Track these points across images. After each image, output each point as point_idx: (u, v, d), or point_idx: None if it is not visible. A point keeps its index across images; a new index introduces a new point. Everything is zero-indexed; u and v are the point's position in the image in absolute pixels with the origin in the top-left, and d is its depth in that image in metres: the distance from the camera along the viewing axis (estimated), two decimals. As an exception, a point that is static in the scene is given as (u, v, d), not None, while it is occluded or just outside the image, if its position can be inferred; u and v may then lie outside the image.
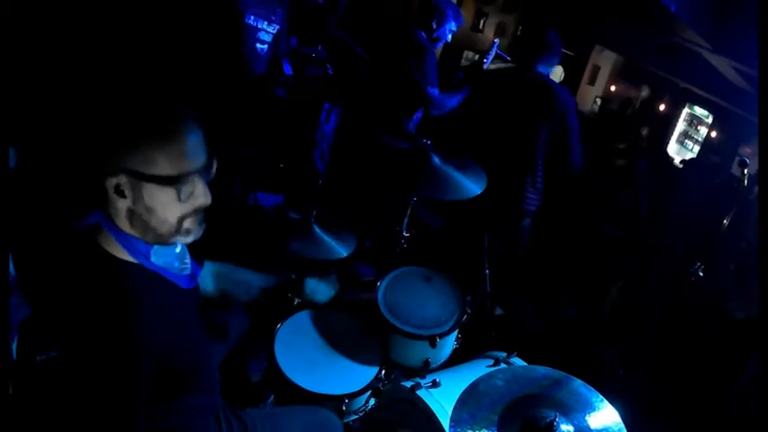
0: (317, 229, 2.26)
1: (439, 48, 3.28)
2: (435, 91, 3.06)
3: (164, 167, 1.11)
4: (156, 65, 2.88)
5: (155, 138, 1.11)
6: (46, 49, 2.48)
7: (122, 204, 1.14)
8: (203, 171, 1.18)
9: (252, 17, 3.13)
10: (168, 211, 1.16)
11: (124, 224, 1.17)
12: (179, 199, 1.15)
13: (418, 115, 3.31)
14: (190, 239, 1.23)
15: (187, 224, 1.19)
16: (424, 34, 3.06)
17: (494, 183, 2.46)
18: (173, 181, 1.13)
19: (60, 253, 1.20)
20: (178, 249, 1.27)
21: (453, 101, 3.14)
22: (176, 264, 1.26)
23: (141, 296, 1.15)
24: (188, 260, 1.30)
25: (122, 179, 1.11)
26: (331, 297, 1.85)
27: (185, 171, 1.14)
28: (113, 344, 1.09)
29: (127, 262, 1.18)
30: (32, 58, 2.39)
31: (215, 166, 1.22)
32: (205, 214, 1.22)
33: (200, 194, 1.18)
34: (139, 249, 1.18)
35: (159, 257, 1.22)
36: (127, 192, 1.12)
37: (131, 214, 1.15)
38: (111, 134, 1.11)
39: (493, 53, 3.41)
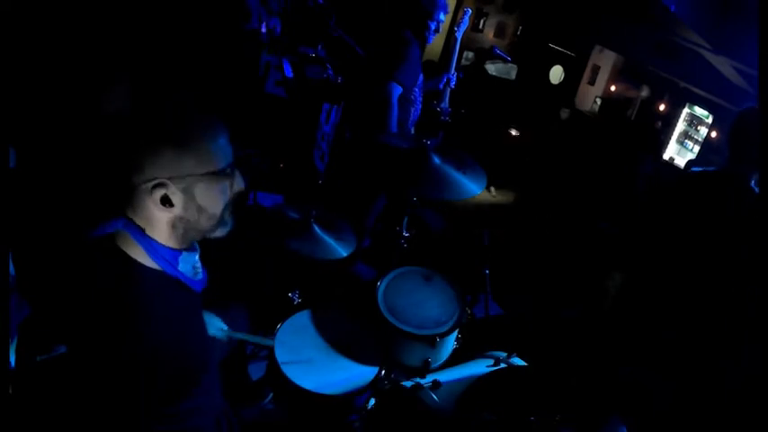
0: (317, 229, 2.26)
1: (432, 40, 3.24)
2: (398, 90, 2.97)
3: (214, 162, 1.15)
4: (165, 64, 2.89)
5: (205, 137, 1.15)
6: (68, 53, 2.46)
7: (165, 214, 1.15)
8: (235, 159, 1.23)
9: None
10: (217, 205, 1.20)
11: (160, 233, 1.18)
12: (229, 189, 1.21)
13: (415, 114, 3.31)
14: (226, 231, 1.26)
15: (226, 215, 1.24)
16: (410, 32, 3.07)
17: None
18: (223, 173, 1.17)
19: (76, 257, 1.21)
20: (197, 256, 1.29)
21: (394, 121, 3.01)
22: (191, 269, 1.27)
23: (162, 301, 1.16)
24: (199, 265, 1.32)
25: (171, 188, 1.12)
26: (223, 335, 1.74)
27: (230, 161, 1.19)
28: (132, 347, 1.09)
29: (150, 267, 1.18)
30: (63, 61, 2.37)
31: None
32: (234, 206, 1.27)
33: (239, 180, 1.23)
34: (164, 256, 1.19)
35: (184, 264, 1.24)
36: (176, 200, 1.14)
37: (176, 221, 1.17)
38: (165, 147, 1.11)
39: (465, 23, 3.40)
